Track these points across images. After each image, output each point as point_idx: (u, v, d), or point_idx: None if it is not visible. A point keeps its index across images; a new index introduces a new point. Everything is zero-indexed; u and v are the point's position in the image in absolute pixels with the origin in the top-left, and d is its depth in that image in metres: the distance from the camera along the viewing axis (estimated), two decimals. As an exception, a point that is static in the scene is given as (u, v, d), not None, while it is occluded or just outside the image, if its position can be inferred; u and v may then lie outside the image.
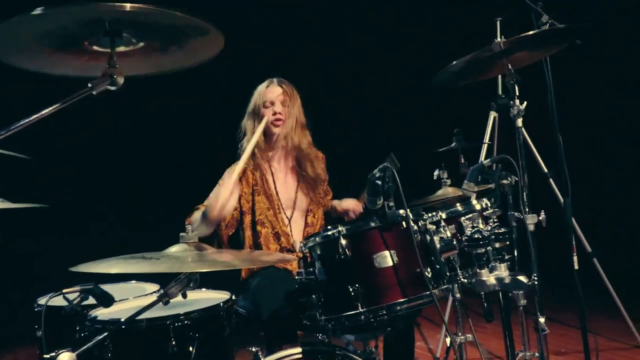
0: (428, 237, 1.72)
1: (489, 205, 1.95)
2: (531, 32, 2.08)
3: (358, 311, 1.63)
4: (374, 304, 1.64)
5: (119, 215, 4.41)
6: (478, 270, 1.69)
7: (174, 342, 1.74)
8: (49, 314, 2.24)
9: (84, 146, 4.02)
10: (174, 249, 1.73)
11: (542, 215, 2.09)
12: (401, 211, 1.73)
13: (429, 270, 1.68)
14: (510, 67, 2.21)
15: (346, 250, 1.66)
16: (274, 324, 2.25)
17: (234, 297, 2.06)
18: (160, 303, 1.69)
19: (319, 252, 1.80)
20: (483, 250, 1.69)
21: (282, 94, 2.56)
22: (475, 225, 1.72)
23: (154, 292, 2.39)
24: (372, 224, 1.68)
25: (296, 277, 2.17)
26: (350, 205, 2.72)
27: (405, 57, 5.30)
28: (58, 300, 2.08)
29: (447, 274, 1.71)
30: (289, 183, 2.68)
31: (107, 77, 1.50)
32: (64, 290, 1.91)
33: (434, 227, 1.74)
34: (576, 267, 2.83)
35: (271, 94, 2.57)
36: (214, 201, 2.25)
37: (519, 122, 2.22)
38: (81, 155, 4.03)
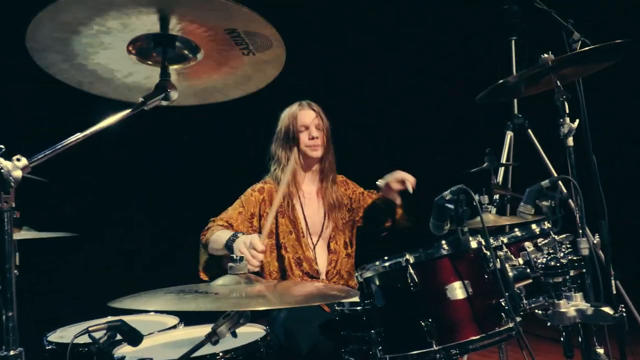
0: (499, 265, 1.58)
1: (550, 228, 1.83)
2: (587, 48, 1.99)
3: (432, 349, 1.47)
4: (449, 341, 1.48)
5: (136, 218, 4.16)
6: (556, 301, 1.55)
7: (212, 383, 1.55)
8: (61, 351, 2.03)
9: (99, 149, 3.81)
10: (222, 281, 1.56)
11: (597, 239, 1.98)
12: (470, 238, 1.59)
13: (504, 302, 1.53)
14: (559, 83, 2.12)
15: (415, 280, 1.51)
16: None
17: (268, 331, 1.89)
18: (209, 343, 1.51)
19: (378, 282, 1.64)
20: (560, 279, 1.56)
21: (316, 117, 2.48)
22: (551, 251, 1.59)
23: (175, 325, 2.21)
24: (444, 252, 1.54)
25: (337, 308, 2.02)
26: (400, 176, 2.42)
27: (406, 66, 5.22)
28: (69, 336, 1.87)
29: (521, 305, 1.57)
30: (316, 207, 2.56)
31: (160, 91, 1.35)
32: (89, 328, 1.72)
33: (503, 254, 1.61)
34: (614, 291, 2.73)
35: (306, 118, 2.48)
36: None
37: (570, 141, 2.12)
38: (97, 158, 3.81)
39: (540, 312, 1.61)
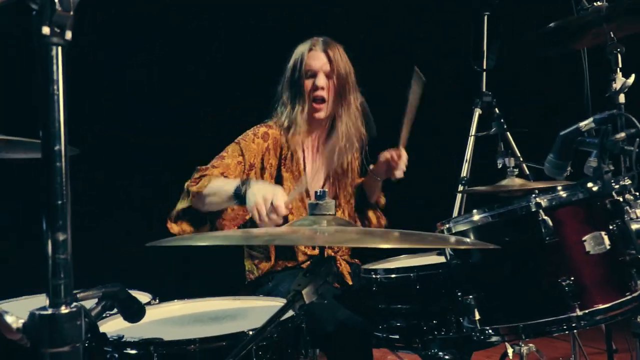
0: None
1: (632, 185, 1.63)
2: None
3: (575, 314, 1.15)
4: (590, 305, 1.18)
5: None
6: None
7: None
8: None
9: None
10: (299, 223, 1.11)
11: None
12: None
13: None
14: (612, 35, 1.94)
15: (550, 228, 1.18)
16: (345, 340, 1.67)
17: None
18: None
19: (479, 235, 1.29)
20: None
21: (327, 63, 1.96)
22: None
23: (149, 302, 1.68)
24: (581, 195, 1.23)
25: (372, 277, 1.68)
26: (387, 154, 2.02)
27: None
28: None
29: None
30: (319, 169, 2.10)
31: None
32: (78, 295, 1.17)
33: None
34: None
35: (314, 61, 1.97)
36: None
37: (621, 97, 1.95)
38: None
39: None
